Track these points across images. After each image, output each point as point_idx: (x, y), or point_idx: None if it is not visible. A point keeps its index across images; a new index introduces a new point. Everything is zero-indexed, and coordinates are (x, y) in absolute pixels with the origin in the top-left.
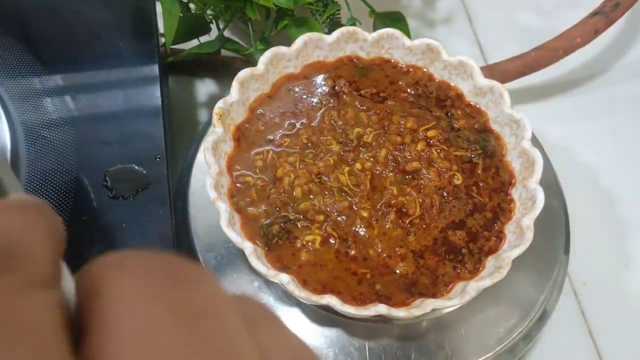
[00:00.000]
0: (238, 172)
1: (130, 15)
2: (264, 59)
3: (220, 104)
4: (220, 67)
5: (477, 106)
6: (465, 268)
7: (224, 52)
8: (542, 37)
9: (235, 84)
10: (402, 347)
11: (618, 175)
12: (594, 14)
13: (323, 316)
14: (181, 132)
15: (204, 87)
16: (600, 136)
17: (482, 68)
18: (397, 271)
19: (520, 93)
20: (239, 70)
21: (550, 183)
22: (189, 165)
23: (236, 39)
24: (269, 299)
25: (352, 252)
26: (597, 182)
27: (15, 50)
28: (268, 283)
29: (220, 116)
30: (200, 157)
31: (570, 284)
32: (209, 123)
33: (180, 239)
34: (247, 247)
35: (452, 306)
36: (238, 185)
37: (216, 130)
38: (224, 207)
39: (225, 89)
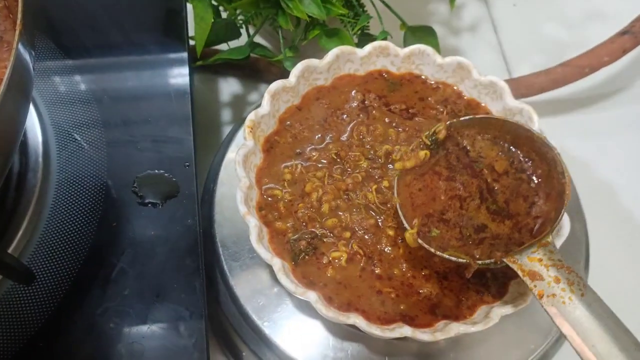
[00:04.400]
0: (267, 185)
1: (161, 22)
2: (295, 71)
3: (251, 116)
4: (244, 65)
5: None
6: (488, 292)
7: None
8: (566, 49)
9: (266, 96)
10: None
11: (637, 193)
12: (623, 33)
13: (344, 330)
14: (204, 132)
15: (227, 86)
16: (620, 153)
17: (507, 81)
18: (421, 291)
19: (541, 106)
20: (262, 69)
21: (573, 205)
22: (214, 172)
23: (265, 43)
24: (289, 308)
25: (377, 271)
26: (615, 199)
27: (49, 54)
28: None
29: (252, 129)
30: (225, 164)
31: None
32: (235, 129)
33: (206, 247)
34: (276, 263)
35: (475, 331)
36: (267, 198)
37: (247, 144)
38: (253, 222)
39: (248, 88)
